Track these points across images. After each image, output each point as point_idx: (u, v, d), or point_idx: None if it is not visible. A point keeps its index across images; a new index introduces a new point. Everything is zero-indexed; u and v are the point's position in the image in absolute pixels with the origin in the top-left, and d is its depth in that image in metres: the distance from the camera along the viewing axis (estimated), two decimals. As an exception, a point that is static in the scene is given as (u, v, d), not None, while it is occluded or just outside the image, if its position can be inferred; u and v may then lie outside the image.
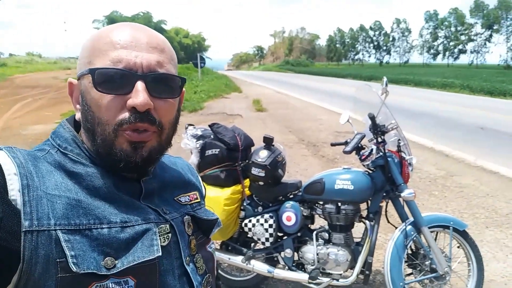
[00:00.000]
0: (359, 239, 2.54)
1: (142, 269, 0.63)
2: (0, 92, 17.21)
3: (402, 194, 2.37)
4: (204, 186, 0.92)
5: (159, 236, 0.67)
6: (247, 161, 2.50)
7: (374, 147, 2.46)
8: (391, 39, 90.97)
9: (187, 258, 0.71)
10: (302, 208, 2.55)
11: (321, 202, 2.53)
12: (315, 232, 2.52)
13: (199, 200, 0.85)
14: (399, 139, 2.48)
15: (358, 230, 2.62)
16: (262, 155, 2.44)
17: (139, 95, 0.63)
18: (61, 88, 19.22)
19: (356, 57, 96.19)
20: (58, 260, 0.56)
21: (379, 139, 2.44)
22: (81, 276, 0.57)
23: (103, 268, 0.59)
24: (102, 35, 0.67)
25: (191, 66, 29.58)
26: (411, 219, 2.43)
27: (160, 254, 0.65)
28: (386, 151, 2.42)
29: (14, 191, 0.57)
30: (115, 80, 0.64)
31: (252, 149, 2.57)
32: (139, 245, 0.64)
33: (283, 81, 30.45)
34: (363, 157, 2.48)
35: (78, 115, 0.70)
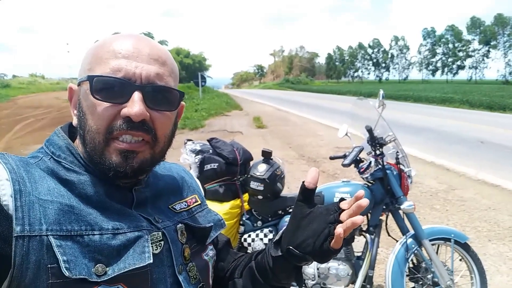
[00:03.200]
0: (360, 253, 2.51)
1: (133, 276, 0.62)
2: (3, 113, 17.35)
3: (401, 207, 2.35)
4: (204, 188, 0.92)
5: (152, 244, 0.66)
6: (246, 175, 2.50)
7: (373, 160, 2.46)
8: (389, 56, 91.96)
9: (180, 267, 0.70)
10: (301, 222, 2.53)
11: (320, 216, 2.51)
12: (315, 247, 2.50)
13: (199, 202, 0.84)
14: (397, 152, 2.49)
15: (358, 244, 2.60)
16: (261, 169, 2.44)
17: (135, 105, 0.62)
18: (63, 108, 19.39)
19: (356, 74, 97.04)
20: (49, 265, 0.55)
21: (377, 152, 2.45)
22: (72, 282, 0.56)
23: (94, 275, 0.58)
24: (105, 43, 0.68)
25: (192, 85, 29.94)
26: (412, 232, 2.41)
27: (151, 261, 0.64)
28: (385, 163, 2.42)
29: (6, 196, 0.57)
30: (113, 89, 0.63)
31: (251, 163, 2.57)
32: (130, 252, 0.63)
33: (283, 99, 30.64)
34: (361, 170, 2.48)
35: (75, 121, 0.70)
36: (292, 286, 2.42)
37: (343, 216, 0.66)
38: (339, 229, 0.63)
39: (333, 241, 0.65)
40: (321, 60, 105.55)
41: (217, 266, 0.86)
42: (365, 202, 0.63)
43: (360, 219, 0.63)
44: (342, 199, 0.69)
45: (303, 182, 0.70)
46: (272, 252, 0.74)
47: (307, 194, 0.70)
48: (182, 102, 0.76)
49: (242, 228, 2.54)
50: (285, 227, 0.73)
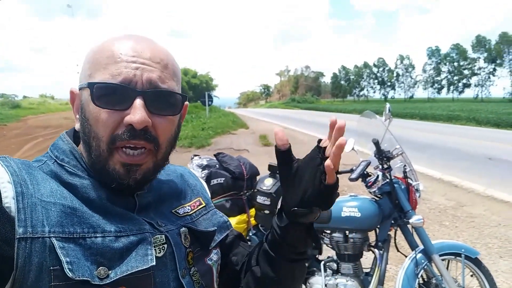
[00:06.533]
0: (368, 269, 2.47)
1: (136, 280, 0.61)
2: (13, 133, 17.58)
3: (410, 221, 2.33)
4: (209, 190, 0.91)
5: (155, 247, 0.66)
6: (252, 189, 2.50)
7: (380, 174, 2.45)
8: (395, 75, 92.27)
9: (183, 271, 0.69)
10: (309, 237, 2.50)
11: (328, 231, 2.49)
12: (323, 262, 2.47)
13: (204, 204, 0.83)
14: (405, 165, 2.48)
15: (367, 261, 2.56)
16: (268, 183, 2.44)
17: (137, 112, 0.61)
18: (71, 128, 19.55)
19: (361, 93, 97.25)
20: (51, 268, 0.55)
21: (385, 165, 2.43)
22: (75, 285, 0.55)
23: (96, 278, 0.57)
24: (105, 47, 0.66)
25: (199, 104, 30.23)
26: (421, 247, 2.37)
27: (154, 263, 0.63)
28: (392, 177, 2.41)
29: (8, 198, 0.56)
30: (114, 95, 0.62)
31: (257, 177, 2.57)
32: (133, 255, 0.62)
33: (289, 118, 30.72)
34: (369, 184, 2.47)
35: (77, 126, 0.69)
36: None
37: (327, 151, 0.64)
38: (328, 162, 0.62)
39: (327, 177, 0.63)
40: (327, 79, 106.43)
41: (231, 261, 0.84)
42: (342, 122, 0.61)
43: (343, 139, 0.61)
44: (320, 140, 0.67)
45: (275, 146, 0.67)
46: (279, 223, 0.71)
47: (285, 155, 0.68)
48: (186, 102, 0.74)
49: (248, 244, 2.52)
50: (282, 196, 0.71)
